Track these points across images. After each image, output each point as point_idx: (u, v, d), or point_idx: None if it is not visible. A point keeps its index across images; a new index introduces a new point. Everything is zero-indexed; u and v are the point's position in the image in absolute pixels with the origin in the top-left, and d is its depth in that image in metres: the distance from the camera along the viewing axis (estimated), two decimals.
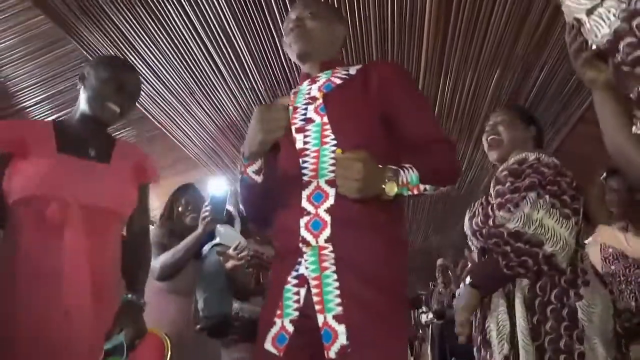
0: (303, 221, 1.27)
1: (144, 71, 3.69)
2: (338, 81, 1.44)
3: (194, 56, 3.54)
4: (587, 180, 2.53)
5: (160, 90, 3.92)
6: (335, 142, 1.31)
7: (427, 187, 1.30)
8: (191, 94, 3.99)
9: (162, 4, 3.02)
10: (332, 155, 1.29)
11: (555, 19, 3.09)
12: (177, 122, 4.39)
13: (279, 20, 3.13)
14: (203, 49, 3.45)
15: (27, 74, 3.51)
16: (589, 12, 0.96)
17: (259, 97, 4.02)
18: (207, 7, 3.05)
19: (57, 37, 3.25)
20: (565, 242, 1.54)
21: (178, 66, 3.64)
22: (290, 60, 3.53)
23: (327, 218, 1.25)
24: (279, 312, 1.25)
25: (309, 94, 1.45)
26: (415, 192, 1.28)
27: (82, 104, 1.58)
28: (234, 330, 2.65)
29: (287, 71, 3.72)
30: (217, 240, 2.55)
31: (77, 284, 1.37)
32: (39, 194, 1.39)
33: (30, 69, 3.45)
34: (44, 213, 1.38)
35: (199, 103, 4.12)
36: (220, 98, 4.04)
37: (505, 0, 2.99)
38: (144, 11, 3.08)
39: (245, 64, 3.62)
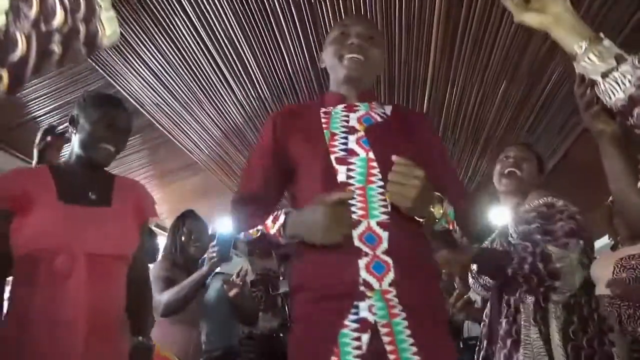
0: (362, 262, 1.18)
1: (149, 79, 3.70)
2: (378, 118, 1.39)
3: (200, 63, 3.54)
4: (592, 186, 2.55)
5: (166, 97, 3.93)
6: (382, 182, 1.24)
7: (457, 228, 1.27)
8: (197, 101, 4.00)
9: (167, 11, 3.02)
10: (381, 197, 1.23)
11: None
12: (183, 128, 4.41)
13: (285, 27, 3.14)
14: (208, 55, 3.45)
15: (37, 84, 3.52)
16: (604, 75, 0.98)
17: (264, 104, 4.03)
18: (212, 14, 3.06)
19: None
20: (574, 284, 1.62)
21: (183, 73, 3.64)
22: (295, 66, 3.58)
23: (389, 260, 1.18)
24: (334, 358, 1.13)
25: (346, 121, 1.37)
26: (451, 227, 1.26)
27: (76, 148, 1.59)
28: (248, 349, 2.64)
29: (293, 77, 3.71)
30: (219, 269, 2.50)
31: (76, 332, 1.38)
32: (46, 247, 1.41)
33: (41, 79, 3.45)
34: (51, 265, 1.40)
35: (204, 109, 4.14)
36: (226, 104, 4.05)
37: (512, 17, 2.98)
38: (149, 19, 3.09)
39: (250, 70, 3.62)
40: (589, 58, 0.99)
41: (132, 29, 3.17)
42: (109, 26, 0.59)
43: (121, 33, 3.14)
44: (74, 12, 0.54)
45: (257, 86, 3.82)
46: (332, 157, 1.30)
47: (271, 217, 1.30)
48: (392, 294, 1.16)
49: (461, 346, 3.24)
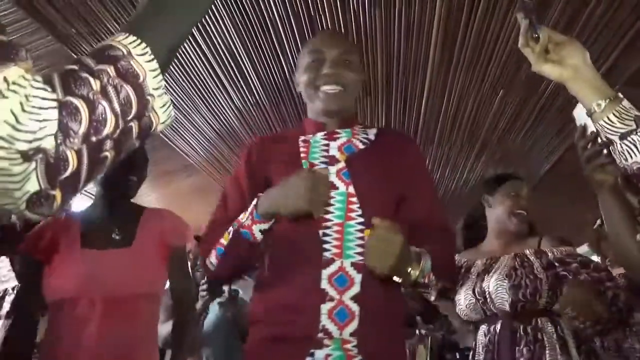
0: (325, 307, 1.10)
1: None
2: (360, 145, 1.31)
3: (195, 67, 3.51)
4: (585, 192, 2.57)
5: None
6: (362, 218, 1.18)
7: (433, 278, 1.18)
8: (193, 105, 3.99)
9: None
10: (359, 234, 1.16)
11: None
12: (178, 131, 4.39)
13: (282, 32, 3.12)
14: (204, 60, 3.43)
15: None
16: (623, 137, 0.98)
17: (261, 108, 4.02)
18: (209, 20, 3.03)
19: (64, 56, 3.24)
20: None
21: (179, 77, 3.62)
22: (293, 71, 3.54)
23: (355, 309, 1.10)
24: None
25: (326, 151, 1.29)
26: (426, 280, 1.15)
27: (98, 185, 1.63)
28: None
29: (290, 83, 3.68)
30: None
31: None
32: (67, 297, 1.47)
33: None
34: (74, 312, 1.44)
35: (200, 113, 4.12)
36: (222, 109, 4.03)
37: (512, 26, 3.00)
38: None
39: (247, 75, 3.60)
40: (608, 118, 0.99)
41: None
42: (163, 114, 0.58)
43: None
44: (126, 114, 0.52)
45: (255, 92, 3.81)
46: None
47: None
48: (353, 344, 1.10)
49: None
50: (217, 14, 2.96)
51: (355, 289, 1.12)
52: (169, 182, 5.24)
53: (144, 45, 0.54)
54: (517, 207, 2.03)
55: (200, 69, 3.53)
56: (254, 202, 1.20)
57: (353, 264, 1.13)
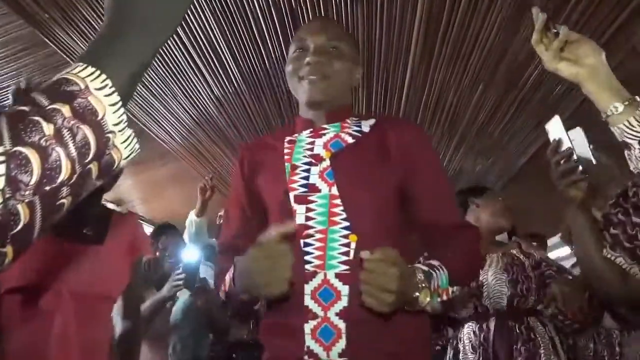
0: (308, 327, 1.00)
1: None
2: (349, 139, 1.17)
3: (173, 54, 3.43)
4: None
5: (139, 88, 3.83)
6: (347, 222, 1.06)
7: (455, 289, 1.07)
8: (170, 92, 3.90)
9: None
10: (344, 240, 1.04)
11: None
12: (155, 118, 4.31)
13: (262, 22, 3.04)
14: (181, 46, 3.34)
15: (6, 76, 3.42)
16: None
17: (241, 98, 3.95)
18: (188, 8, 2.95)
19: (36, 41, 3.14)
20: None
21: (155, 63, 3.53)
22: (273, 61, 3.50)
23: (341, 325, 0.99)
24: None
25: (311, 150, 1.17)
26: (445, 297, 1.05)
27: None
28: (217, 354, 2.62)
29: (270, 72, 3.63)
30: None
31: None
32: (32, 284, 1.38)
33: (9, 70, 3.36)
34: (36, 303, 1.37)
35: (177, 100, 4.04)
36: (199, 95, 3.95)
37: (492, 24, 2.99)
38: None
39: (225, 62, 3.50)
40: (628, 121, 0.96)
41: (101, 22, 3.03)
42: (125, 149, 0.53)
43: (92, 26, 3.03)
44: (83, 157, 0.47)
45: (234, 81, 3.74)
46: (292, 194, 1.11)
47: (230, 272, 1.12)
48: None
49: None
50: (196, 1, 2.88)
51: (342, 304, 1.01)
52: (144, 169, 5.16)
53: (103, 77, 0.50)
54: (504, 207, 2.20)
55: (178, 56, 3.45)
56: (231, 273, 1.10)
57: (337, 275, 1.02)
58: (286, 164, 1.17)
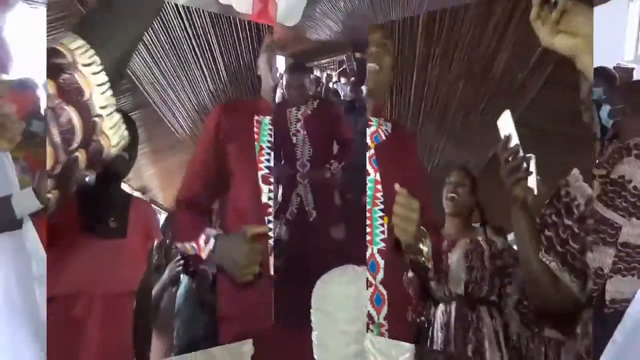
0: (368, 292, 1.14)
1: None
2: (384, 136, 1.37)
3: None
4: None
5: (157, 74, 3.78)
6: (383, 205, 1.24)
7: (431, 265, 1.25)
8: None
9: None
10: (381, 221, 1.20)
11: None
12: (169, 106, 4.43)
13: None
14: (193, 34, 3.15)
15: None
16: None
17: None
18: None
19: None
20: None
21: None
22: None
23: (385, 293, 1.18)
24: None
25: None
26: (430, 265, 1.26)
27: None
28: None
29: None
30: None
31: None
32: (66, 292, 1.30)
33: None
34: (71, 311, 1.30)
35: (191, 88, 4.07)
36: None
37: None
38: None
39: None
40: None
41: None
42: (114, 135, 0.49)
43: None
44: (68, 143, 0.44)
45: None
46: (259, 174, 1.32)
47: (203, 237, 1.32)
48: (385, 328, 1.15)
49: None
50: None
51: (381, 275, 1.19)
52: (163, 157, 5.37)
53: (91, 52, 0.47)
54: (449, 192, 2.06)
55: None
56: (211, 244, 1.30)
57: (379, 251, 1.20)
58: (255, 143, 1.37)
